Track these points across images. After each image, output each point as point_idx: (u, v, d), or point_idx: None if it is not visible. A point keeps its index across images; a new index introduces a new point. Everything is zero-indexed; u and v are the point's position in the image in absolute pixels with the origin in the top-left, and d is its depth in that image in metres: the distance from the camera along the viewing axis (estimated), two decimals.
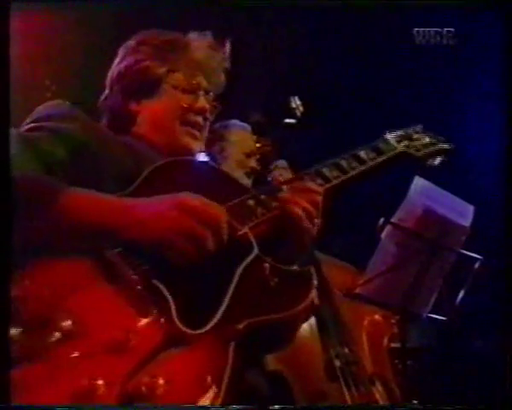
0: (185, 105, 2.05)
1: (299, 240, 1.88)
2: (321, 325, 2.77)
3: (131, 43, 2.13)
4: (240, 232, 1.72)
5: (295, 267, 1.83)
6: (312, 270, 1.76)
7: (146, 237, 1.55)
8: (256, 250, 1.71)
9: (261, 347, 1.70)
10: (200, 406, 1.41)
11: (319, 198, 1.89)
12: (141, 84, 2.05)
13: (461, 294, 3.07)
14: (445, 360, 4.06)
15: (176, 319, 1.48)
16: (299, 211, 1.83)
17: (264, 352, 1.91)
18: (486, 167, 2.28)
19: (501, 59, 1.87)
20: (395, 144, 2.22)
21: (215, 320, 1.52)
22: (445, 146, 2.35)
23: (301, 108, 2.43)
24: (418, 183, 2.87)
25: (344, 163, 2.05)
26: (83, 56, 3.40)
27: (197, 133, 2.08)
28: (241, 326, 1.54)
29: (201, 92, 2.09)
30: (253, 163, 3.01)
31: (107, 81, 2.13)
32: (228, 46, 2.15)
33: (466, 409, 1.97)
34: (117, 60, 2.12)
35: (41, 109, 1.90)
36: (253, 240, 1.73)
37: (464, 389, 3.71)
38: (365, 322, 3.20)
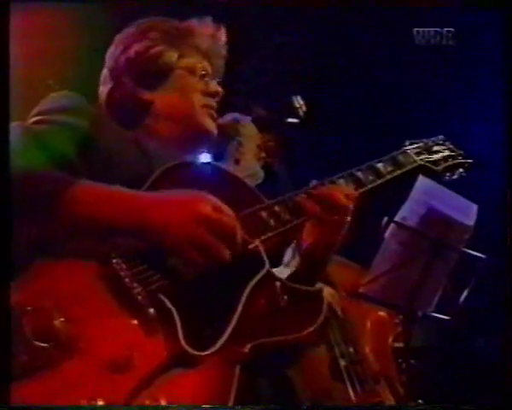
0: (201, 88, 2.01)
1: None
2: (325, 323, 2.76)
3: (134, 30, 2.03)
4: (251, 246, 1.63)
5: (306, 287, 1.74)
6: (324, 291, 1.69)
7: (158, 240, 1.48)
8: (267, 266, 1.63)
9: (267, 368, 1.67)
10: (202, 406, 1.40)
11: (338, 208, 1.81)
12: (154, 72, 1.97)
13: (464, 293, 3.07)
14: (448, 358, 4.05)
15: (182, 339, 1.42)
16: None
17: (269, 373, 1.86)
18: (490, 166, 2.26)
19: (501, 59, 1.86)
20: (414, 157, 2.14)
21: (221, 342, 1.45)
22: (465, 160, 2.29)
23: (304, 108, 2.40)
24: (422, 181, 2.85)
25: (361, 175, 1.95)
26: (85, 56, 3.40)
27: (215, 114, 2.04)
28: (247, 349, 1.48)
29: (208, 78, 2.05)
30: (264, 155, 2.95)
31: (110, 72, 2.01)
32: (225, 33, 2.10)
33: (470, 409, 1.96)
34: (119, 49, 2.01)
35: (46, 102, 1.80)
36: (264, 255, 1.65)
37: (468, 388, 3.70)
38: (370, 321, 3.20)
